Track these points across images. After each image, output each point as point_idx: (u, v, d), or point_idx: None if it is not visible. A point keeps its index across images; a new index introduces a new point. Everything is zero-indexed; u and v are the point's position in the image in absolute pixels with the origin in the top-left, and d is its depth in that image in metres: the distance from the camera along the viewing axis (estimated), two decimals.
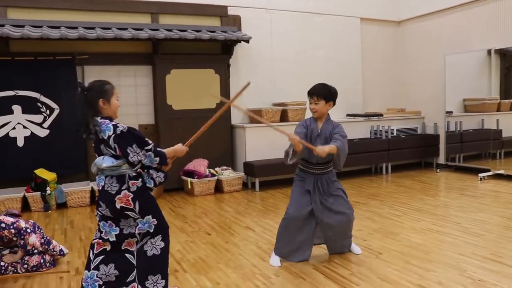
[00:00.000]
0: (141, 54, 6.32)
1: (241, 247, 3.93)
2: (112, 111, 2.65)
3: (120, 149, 2.53)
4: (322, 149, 3.09)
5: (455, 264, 3.31)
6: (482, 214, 4.68)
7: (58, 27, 5.59)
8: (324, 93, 3.37)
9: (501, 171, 6.66)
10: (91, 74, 5.95)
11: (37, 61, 5.68)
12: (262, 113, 6.56)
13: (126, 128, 2.54)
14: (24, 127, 5.68)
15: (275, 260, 3.46)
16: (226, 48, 6.73)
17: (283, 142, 3.26)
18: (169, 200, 5.94)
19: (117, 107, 2.67)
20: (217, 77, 6.62)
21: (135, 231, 2.63)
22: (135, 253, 2.66)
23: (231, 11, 6.85)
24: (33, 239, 3.38)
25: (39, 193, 5.46)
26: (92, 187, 5.64)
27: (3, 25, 5.27)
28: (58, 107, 5.78)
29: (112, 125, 2.54)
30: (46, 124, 5.77)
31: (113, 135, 2.52)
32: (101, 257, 2.63)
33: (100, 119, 2.59)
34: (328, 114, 3.48)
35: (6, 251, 3.42)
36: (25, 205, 5.47)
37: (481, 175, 6.60)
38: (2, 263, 3.32)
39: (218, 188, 6.34)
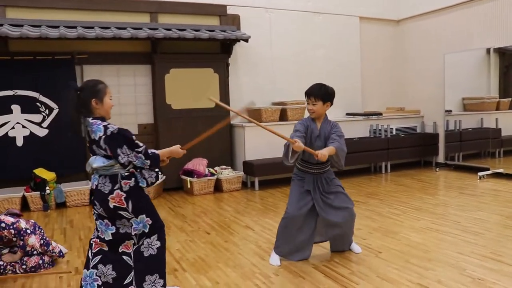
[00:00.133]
0: (140, 53, 6.32)
1: (241, 246, 3.94)
2: (105, 111, 2.63)
3: (111, 151, 2.53)
4: (323, 154, 3.11)
5: (454, 263, 3.31)
6: (482, 213, 4.69)
7: (57, 27, 5.58)
8: (321, 94, 3.37)
9: (500, 170, 6.67)
10: (90, 74, 5.94)
11: (36, 61, 5.67)
12: (262, 113, 6.56)
13: (117, 129, 2.53)
14: (23, 126, 5.67)
15: (274, 259, 3.47)
16: (225, 47, 6.73)
17: (283, 142, 3.25)
18: (168, 200, 5.93)
19: (110, 106, 2.65)
20: (216, 76, 6.61)
21: (131, 231, 2.62)
22: (132, 255, 2.66)
23: (230, 10, 6.85)
24: (33, 240, 3.38)
25: (38, 192, 5.46)
26: (91, 187, 5.63)
27: (2, 25, 5.26)
28: (57, 107, 5.77)
29: (103, 126, 2.53)
30: (45, 124, 5.76)
31: (104, 136, 2.51)
32: (99, 257, 2.63)
33: (92, 119, 2.58)
34: (325, 114, 3.48)
35: (5, 250, 3.42)
36: (25, 205, 5.46)
37: (480, 174, 6.61)
38: (1, 262, 3.32)
39: (218, 187, 6.34)
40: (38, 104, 5.71)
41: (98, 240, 2.65)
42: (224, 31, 6.44)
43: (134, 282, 2.64)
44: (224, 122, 3.06)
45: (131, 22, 6.12)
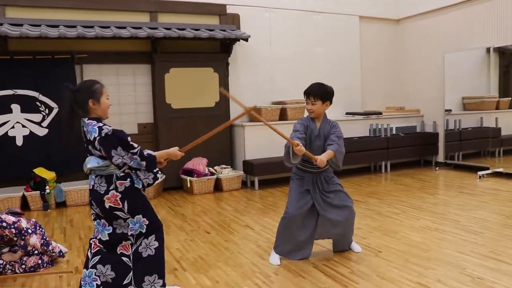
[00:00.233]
0: (140, 52, 6.31)
1: (241, 245, 3.94)
2: (102, 111, 2.63)
3: (105, 152, 2.52)
4: (321, 161, 3.15)
5: (454, 262, 3.31)
6: (481, 212, 4.69)
7: (57, 26, 5.58)
8: (320, 93, 3.37)
9: (500, 169, 6.67)
10: (90, 73, 5.94)
11: (36, 60, 5.67)
12: (262, 112, 6.56)
13: (111, 130, 2.52)
14: (23, 126, 5.67)
15: (274, 259, 3.47)
16: (225, 46, 6.73)
17: (283, 141, 3.25)
18: (168, 199, 5.94)
19: (107, 106, 2.65)
20: (216, 75, 6.61)
21: (128, 231, 2.62)
22: (131, 257, 2.66)
23: (230, 10, 6.85)
24: (34, 240, 3.38)
25: (38, 192, 5.46)
26: (88, 187, 5.64)
27: (1, 24, 5.25)
28: (57, 106, 5.77)
29: (98, 127, 2.52)
30: (45, 123, 5.76)
31: (98, 138, 2.51)
32: (98, 257, 2.63)
33: (88, 119, 2.58)
34: (325, 113, 3.48)
35: (5, 249, 3.42)
36: (25, 204, 5.46)
37: (480, 173, 6.61)
38: (1, 261, 3.32)
39: (218, 186, 6.34)
40: (38, 103, 5.71)
41: (97, 241, 2.65)
42: (224, 30, 6.44)
43: (133, 282, 2.64)
44: (223, 126, 3.04)
45: (131, 21, 6.12)
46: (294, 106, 6.79)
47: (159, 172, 5.89)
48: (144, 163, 2.57)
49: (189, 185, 6.19)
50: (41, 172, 5.56)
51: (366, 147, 7.25)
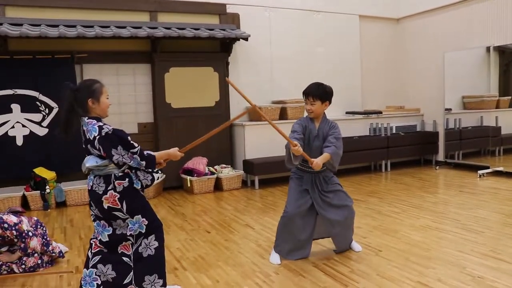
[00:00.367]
0: (140, 52, 6.31)
1: (241, 245, 3.94)
2: (102, 110, 2.63)
3: (105, 151, 2.52)
4: (317, 164, 3.16)
5: (454, 261, 3.31)
6: (482, 211, 4.69)
7: (57, 26, 5.58)
8: (319, 94, 3.36)
9: (500, 168, 6.67)
10: (89, 73, 5.94)
11: (36, 60, 5.67)
12: (262, 111, 6.55)
13: (111, 129, 2.52)
14: (23, 126, 5.67)
15: (275, 258, 3.47)
16: (225, 46, 6.73)
17: (283, 140, 3.25)
18: (168, 198, 5.94)
19: (107, 105, 2.65)
20: (216, 75, 6.61)
21: (127, 232, 2.62)
22: (132, 257, 2.65)
23: (229, 9, 6.84)
24: (34, 243, 3.37)
25: (38, 191, 5.46)
26: (87, 188, 5.64)
27: (1, 24, 5.25)
28: (57, 106, 5.77)
29: (98, 126, 2.52)
30: (45, 123, 5.76)
31: (98, 137, 2.50)
32: (98, 257, 2.63)
33: (88, 119, 2.58)
34: (324, 113, 3.48)
35: (4, 249, 3.41)
36: (25, 204, 5.46)
37: (480, 172, 6.61)
38: None
39: (218, 186, 6.34)
40: (38, 103, 5.71)
41: (97, 242, 2.65)
42: (224, 30, 6.44)
43: (133, 281, 2.64)
44: (223, 126, 3.04)
45: (130, 21, 6.12)
46: (294, 106, 6.79)
47: (159, 172, 5.92)
48: (144, 162, 2.57)
49: (189, 185, 6.19)
50: (41, 172, 5.56)
51: (366, 146, 7.25)
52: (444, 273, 3.10)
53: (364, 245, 3.72)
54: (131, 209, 2.59)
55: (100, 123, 2.55)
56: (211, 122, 6.40)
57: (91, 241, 2.69)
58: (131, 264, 2.64)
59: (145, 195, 2.75)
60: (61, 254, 3.62)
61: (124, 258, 2.64)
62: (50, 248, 3.52)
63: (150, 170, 2.66)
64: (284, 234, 3.46)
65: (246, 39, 6.51)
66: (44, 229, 3.65)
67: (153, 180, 2.69)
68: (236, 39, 6.49)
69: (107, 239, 2.62)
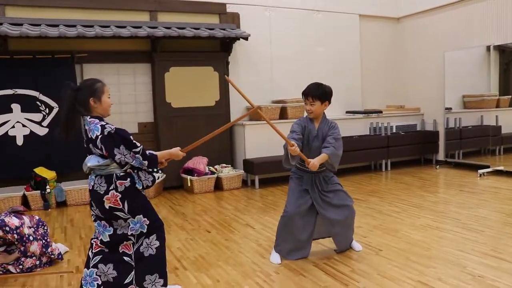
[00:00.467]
0: (140, 52, 6.31)
1: (241, 244, 3.94)
2: (104, 109, 2.63)
3: (107, 150, 2.52)
4: (314, 165, 3.16)
5: (454, 260, 3.31)
6: (482, 210, 4.69)
7: (57, 26, 5.58)
8: (319, 94, 3.35)
9: (501, 167, 6.67)
10: (90, 72, 5.94)
11: (36, 60, 5.67)
12: (262, 111, 6.55)
13: (114, 129, 2.52)
14: (24, 125, 5.67)
15: (275, 257, 3.47)
16: (225, 45, 6.72)
17: (283, 140, 3.25)
18: (168, 198, 5.94)
19: (109, 105, 2.64)
20: (216, 74, 6.61)
21: (128, 231, 2.61)
22: (133, 256, 2.65)
23: (229, 9, 6.84)
24: (34, 247, 3.37)
25: (38, 191, 5.46)
26: (88, 188, 5.64)
27: (1, 24, 5.25)
28: (57, 106, 5.77)
29: (100, 125, 2.52)
30: (45, 123, 5.76)
31: (101, 136, 2.50)
32: (99, 256, 2.63)
33: (90, 118, 2.57)
34: (324, 113, 3.47)
35: (1, 249, 3.41)
36: (25, 204, 5.45)
37: (480, 171, 6.61)
38: None
39: (218, 185, 6.34)
40: (38, 103, 5.71)
41: (98, 241, 2.65)
42: (224, 29, 6.44)
43: (134, 281, 2.64)
44: (226, 126, 3.04)
45: (130, 20, 6.12)
46: (294, 105, 6.79)
47: (159, 172, 5.92)
48: (146, 162, 2.57)
49: (189, 184, 6.19)
50: (41, 171, 5.56)
51: (367, 145, 7.25)
52: (444, 273, 3.10)
53: (364, 245, 3.72)
54: (132, 209, 2.59)
55: (103, 122, 2.55)
56: (211, 122, 6.40)
57: (92, 241, 2.69)
58: (133, 264, 2.64)
59: (145, 194, 2.75)
60: (60, 256, 3.61)
61: (125, 258, 2.64)
62: (49, 250, 3.51)
63: (152, 169, 2.65)
64: (284, 234, 3.46)
65: (246, 38, 6.51)
66: (45, 228, 3.65)
67: (154, 180, 2.68)
68: (236, 38, 6.49)
69: (108, 239, 2.62)
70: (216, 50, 6.76)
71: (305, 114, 3.54)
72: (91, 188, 2.62)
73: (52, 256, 3.54)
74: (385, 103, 8.39)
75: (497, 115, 6.99)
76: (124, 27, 5.90)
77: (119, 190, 2.55)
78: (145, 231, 2.64)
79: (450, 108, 7.49)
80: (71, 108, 2.57)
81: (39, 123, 5.74)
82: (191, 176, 6.17)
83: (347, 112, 7.80)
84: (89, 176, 2.66)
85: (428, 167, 7.63)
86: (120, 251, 2.64)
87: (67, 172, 5.86)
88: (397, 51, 8.47)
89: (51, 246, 3.55)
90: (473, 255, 3.40)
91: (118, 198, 2.54)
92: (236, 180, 6.42)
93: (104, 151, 2.53)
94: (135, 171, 2.62)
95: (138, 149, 2.54)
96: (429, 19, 7.86)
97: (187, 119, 6.42)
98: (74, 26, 5.66)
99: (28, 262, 3.38)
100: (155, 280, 2.65)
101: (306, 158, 3.19)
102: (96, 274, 2.61)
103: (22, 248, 3.32)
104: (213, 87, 6.58)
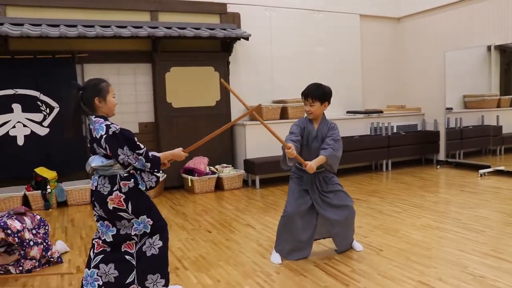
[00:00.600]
0: (141, 52, 6.31)
1: (242, 244, 3.94)
2: (109, 109, 2.63)
3: (111, 150, 2.52)
4: (311, 167, 3.16)
5: (455, 260, 3.31)
6: (483, 210, 4.68)
7: (58, 26, 5.58)
8: (319, 95, 3.34)
9: (502, 167, 6.66)
10: (90, 72, 5.94)
11: (37, 60, 5.67)
12: (262, 111, 6.56)
13: (119, 129, 2.53)
14: (24, 125, 5.68)
15: (275, 257, 3.47)
16: (226, 45, 6.73)
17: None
18: (169, 198, 5.94)
19: (114, 104, 2.65)
20: (217, 74, 6.61)
21: (132, 232, 2.61)
22: (135, 255, 2.66)
23: (230, 9, 6.84)
24: (34, 252, 3.37)
25: (39, 191, 5.46)
26: (91, 188, 5.64)
27: (2, 24, 5.25)
28: (58, 106, 5.77)
29: (105, 125, 2.52)
30: (46, 123, 5.77)
31: (105, 135, 2.50)
32: (101, 256, 2.63)
33: (95, 117, 2.58)
34: (323, 113, 3.47)
35: (1, 249, 3.41)
36: (26, 204, 5.46)
37: (481, 171, 6.61)
38: None
39: (219, 185, 6.34)
40: (38, 103, 5.71)
41: (100, 241, 2.65)
42: (225, 29, 6.44)
43: (136, 281, 2.64)
44: (227, 126, 3.04)
45: (131, 20, 6.12)
46: (295, 105, 6.79)
47: (161, 172, 5.92)
48: (149, 164, 2.57)
49: (190, 184, 6.19)
50: (42, 171, 5.57)
51: (367, 145, 7.24)
52: (445, 273, 3.09)
53: (365, 245, 3.72)
54: (136, 210, 2.59)
55: (108, 122, 2.56)
56: (212, 122, 6.40)
57: (94, 241, 2.69)
58: (134, 263, 2.64)
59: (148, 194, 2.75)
60: (59, 259, 3.60)
61: (127, 257, 2.64)
62: (49, 253, 3.52)
63: (155, 171, 2.66)
64: (284, 234, 3.46)
65: (246, 38, 6.51)
66: (47, 228, 3.65)
67: (157, 181, 2.68)
68: (237, 38, 6.49)
69: (111, 239, 2.62)
70: (216, 50, 6.76)
71: (305, 114, 3.53)
72: (94, 189, 2.62)
73: (52, 259, 3.54)
74: (385, 103, 8.39)
75: (498, 115, 6.98)
76: (125, 27, 5.90)
77: (123, 191, 2.55)
78: (148, 231, 2.64)
79: (451, 108, 7.48)
80: (77, 108, 2.57)
81: (40, 123, 5.74)
82: (191, 176, 6.17)
83: (347, 112, 7.79)
84: (92, 177, 2.66)
85: (428, 167, 7.63)
86: (123, 250, 2.64)
87: (67, 172, 5.87)
88: (397, 51, 8.47)
89: (51, 249, 3.55)
90: (473, 255, 3.40)
91: (122, 199, 2.55)
92: (237, 180, 6.42)
93: (108, 150, 2.53)
94: (138, 172, 2.62)
95: (141, 151, 2.55)
96: (429, 19, 7.86)
97: (188, 119, 6.42)
98: (74, 26, 5.66)
99: (28, 264, 3.38)
100: (156, 280, 2.65)
101: (303, 160, 3.18)
102: (97, 275, 2.61)
103: (22, 252, 3.32)
104: (213, 87, 6.58)
